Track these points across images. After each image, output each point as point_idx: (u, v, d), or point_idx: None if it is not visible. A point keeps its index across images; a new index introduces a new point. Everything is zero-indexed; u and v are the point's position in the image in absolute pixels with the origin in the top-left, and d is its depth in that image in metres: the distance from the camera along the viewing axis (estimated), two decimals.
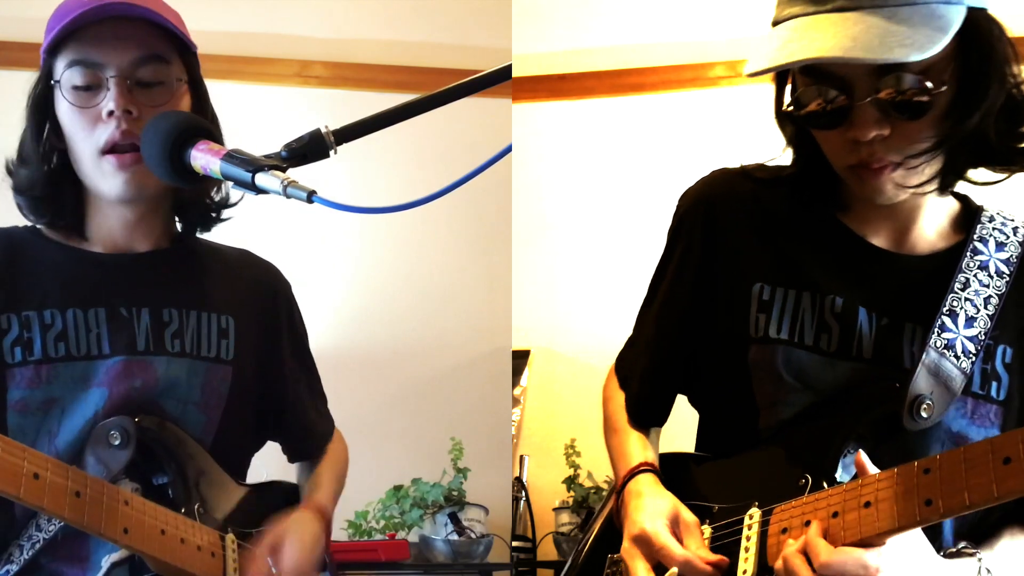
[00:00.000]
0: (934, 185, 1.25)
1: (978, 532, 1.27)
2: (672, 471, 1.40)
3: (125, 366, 1.39)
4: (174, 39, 1.43)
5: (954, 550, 1.22)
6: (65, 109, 1.40)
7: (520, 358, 3.67)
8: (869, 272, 1.32)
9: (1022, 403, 1.29)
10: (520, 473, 3.44)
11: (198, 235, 1.57)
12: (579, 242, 3.73)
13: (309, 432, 1.67)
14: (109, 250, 1.47)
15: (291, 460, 1.69)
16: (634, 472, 1.38)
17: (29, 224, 1.50)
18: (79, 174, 1.42)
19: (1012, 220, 1.35)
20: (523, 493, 3.38)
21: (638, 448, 1.43)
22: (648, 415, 1.49)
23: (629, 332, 1.58)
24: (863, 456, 1.16)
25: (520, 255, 3.67)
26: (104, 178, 1.39)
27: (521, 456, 3.50)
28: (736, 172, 1.44)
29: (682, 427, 1.52)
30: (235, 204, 1.56)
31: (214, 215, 1.55)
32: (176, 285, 1.49)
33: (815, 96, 1.21)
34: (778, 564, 1.16)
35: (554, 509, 3.43)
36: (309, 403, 1.67)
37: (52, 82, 1.41)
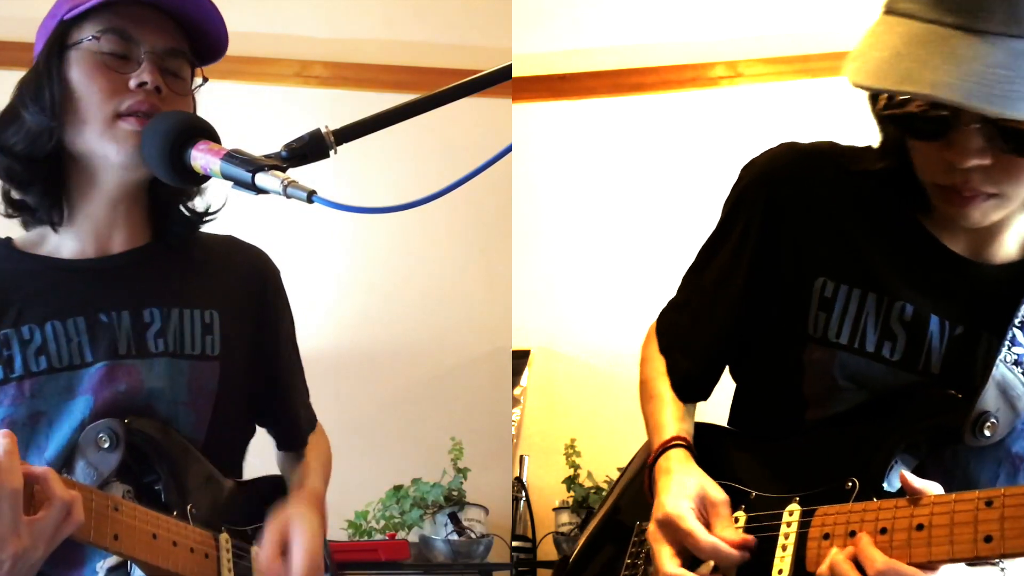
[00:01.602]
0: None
1: None
2: (709, 446, 1.34)
3: (108, 371, 1.37)
4: (190, 45, 1.45)
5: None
6: (83, 72, 1.37)
7: (520, 358, 3.67)
8: (944, 279, 1.24)
9: None
10: (520, 473, 3.44)
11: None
12: (579, 242, 3.73)
13: (297, 423, 1.65)
14: (86, 251, 1.44)
15: (279, 448, 1.68)
16: (666, 446, 1.32)
17: None
18: (79, 144, 1.39)
19: None
20: (523, 493, 3.38)
21: (674, 419, 1.37)
22: (693, 392, 1.43)
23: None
24: (908, 476, 1.10)
25: (520, 255, 3.67)
26: (115, 140, 1.36)
27: (521, 456, 3.50)
28: (809, 150, 1.34)
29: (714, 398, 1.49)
30: (216, 212, 1.54)
31: (194, 220, 1.54)
32: (156, 283, 1.46)
33: (916, 103, 1.11)
34: (823, 568, 1.11)
35: (554, 509, 3.43)
36: (299, 391, 1.66)
37: (68, 45, 1.38)
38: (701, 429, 1.40)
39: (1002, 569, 1.15)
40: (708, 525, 1.21)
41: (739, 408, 1.44)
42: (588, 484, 3.35)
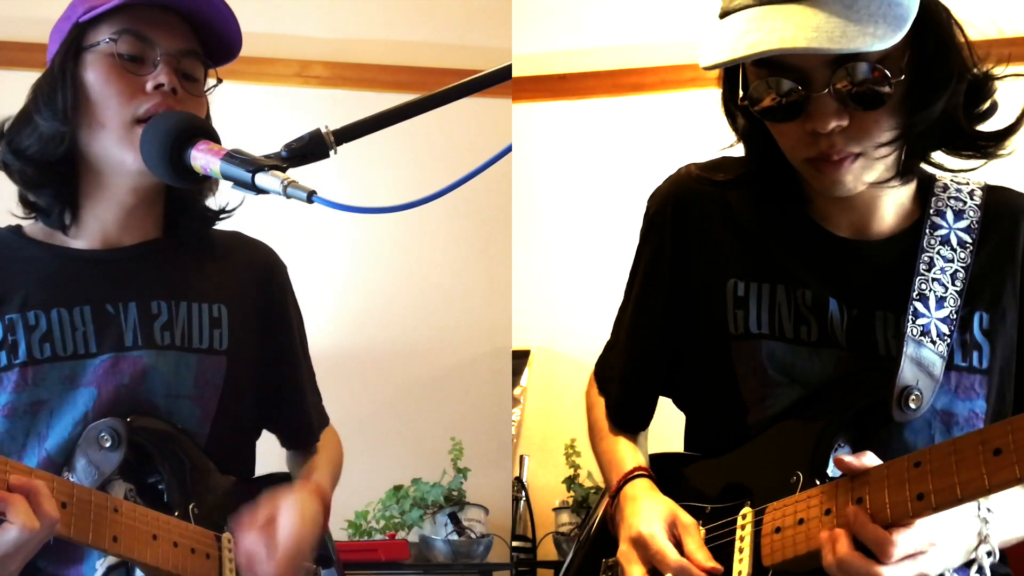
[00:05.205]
0: (892, 175, 1.25)
1: None
2: (663, 473, 1.39)
3: (113, 363, 1.37)
4: (204, 46, 1.45)
5: None
6: (100, 75, 1.37)
7: (520, 358, 3.66)
8: (835, 263, 1.31)
9: (1005, 368, 1.28)
10: (520, 473, 3.44)
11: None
12: (579, 242, 3.73)
13: (307, 419, 1.64)
14: (96, 245, 1.44)
15: (286, 447, 1.66)
16: (629, 477, 1.37)
17: (10, 225, 1.48)
18: (95, 148, 1.38)
19: (966, 184, 1.34)
20: (523, 493, 3.38)
21: (629, 453, 1.42)
22: (630, 420, 1.48)
23: None
24: (843, 457, 1.15)
25: (520, 255, 3.67)
26: (132, 147, 1.34)
27: (521, 456, 3.50)
28: (704, 167, 1.43)
29: (672, 428, 1.51)
30: (234, 210, 1.55)
31: (210, 218, 1.54)
32: (164, 276, 1.45)
33: (770, 89, 1.19)
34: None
35: (554, 509, 3.43)
36: (307, 389, 1.64)
37: (84, 48, 1.38)
38: (654, 459, 1.44)
39: (977, 502, 1.16)
40: (679, 547, 1.24)
41: (690, 433, 1.47)
42: (588, 484, 3.35)
